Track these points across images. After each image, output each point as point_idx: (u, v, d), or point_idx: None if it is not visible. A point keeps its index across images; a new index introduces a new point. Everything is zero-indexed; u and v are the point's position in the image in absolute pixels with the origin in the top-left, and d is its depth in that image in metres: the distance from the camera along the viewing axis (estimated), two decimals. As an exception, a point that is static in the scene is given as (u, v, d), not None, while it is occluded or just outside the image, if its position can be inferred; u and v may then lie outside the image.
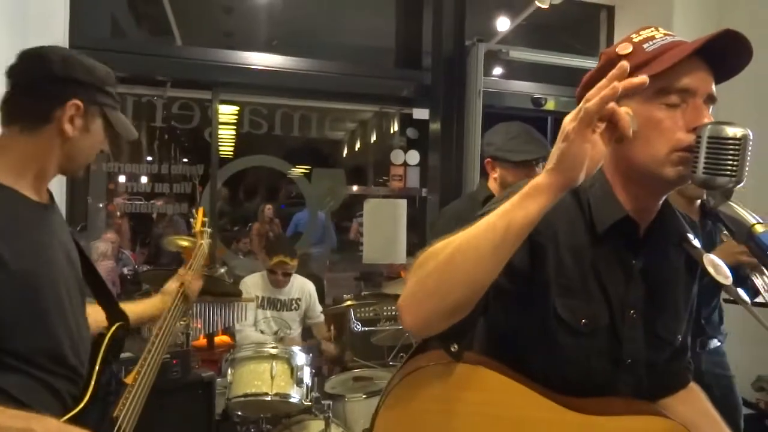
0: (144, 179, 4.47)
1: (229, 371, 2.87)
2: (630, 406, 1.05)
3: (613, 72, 0.84)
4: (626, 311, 1.06)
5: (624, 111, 0.86)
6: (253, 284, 3.51)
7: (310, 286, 3.62)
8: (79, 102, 1.23)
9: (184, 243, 3.42)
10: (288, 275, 3.45)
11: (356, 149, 6.10)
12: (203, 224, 1.92)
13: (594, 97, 0.83)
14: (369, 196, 4.84)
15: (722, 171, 0.92)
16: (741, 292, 1.62)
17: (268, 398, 2.70)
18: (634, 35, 1.05)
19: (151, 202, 4.52)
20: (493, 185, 2.23)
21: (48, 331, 1.18)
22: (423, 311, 0.91)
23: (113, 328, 1.38)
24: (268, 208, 5.54)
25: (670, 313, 1.12)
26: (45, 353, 1.18)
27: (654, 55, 0.99)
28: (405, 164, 4.73)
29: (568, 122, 0.85)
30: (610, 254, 1.05)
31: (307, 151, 5.42)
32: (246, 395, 2.75)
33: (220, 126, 4.29)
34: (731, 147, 0.92)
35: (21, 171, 1.21)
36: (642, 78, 0.85)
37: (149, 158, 4.77)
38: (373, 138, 5.62)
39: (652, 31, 1.04)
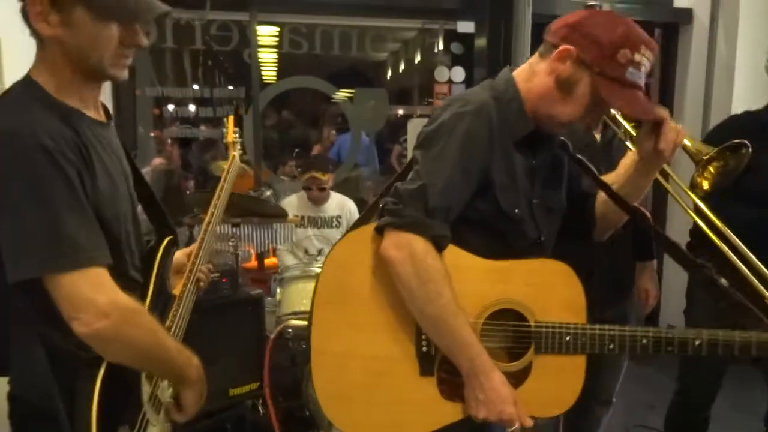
0: (192, 107, 4.45)
1: (278, 290, 2.92)
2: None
3: None
4: (532, 201, 1.37)
5: None
6: (289, 204, 3.52)
7: (350, 204, 3.60)
8: None
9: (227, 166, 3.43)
10: (323, 190, 3.45)
11: (400, 71, 5.90)
12: (235, 133, 1.83)
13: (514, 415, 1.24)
14: (413, 117, 4.72)
15: None
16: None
17: (316, 316, 2.75)
18: (637, 54, 1.22)
19: (196, 128, 4.53)
20: None
21: (114, 246, 1.13)
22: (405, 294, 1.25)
23: (165, 241, 1.34)
24: (333, 134, 5.55)
25: (559, 192, 1.46)
26: (114, 270, 1.11)
27: (623, 85, 1.23)
28: (450, 81, 4.56)
29: (508, 408, 1.23)
30: (520, 156, 1.34)
31: (350, 74, 5.28)
32: (295, 313, 2.81)
33: (260, 50, 4.20)
34: None
35: (59, 89, 1.11)
36: None
37: (195, 86, 4.74)
38: (418, 58, 5.42)
39: (644, 56, 1.23)
